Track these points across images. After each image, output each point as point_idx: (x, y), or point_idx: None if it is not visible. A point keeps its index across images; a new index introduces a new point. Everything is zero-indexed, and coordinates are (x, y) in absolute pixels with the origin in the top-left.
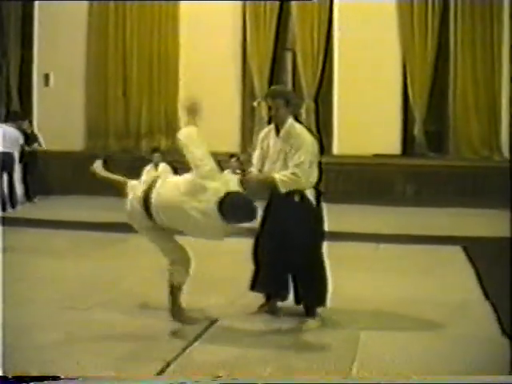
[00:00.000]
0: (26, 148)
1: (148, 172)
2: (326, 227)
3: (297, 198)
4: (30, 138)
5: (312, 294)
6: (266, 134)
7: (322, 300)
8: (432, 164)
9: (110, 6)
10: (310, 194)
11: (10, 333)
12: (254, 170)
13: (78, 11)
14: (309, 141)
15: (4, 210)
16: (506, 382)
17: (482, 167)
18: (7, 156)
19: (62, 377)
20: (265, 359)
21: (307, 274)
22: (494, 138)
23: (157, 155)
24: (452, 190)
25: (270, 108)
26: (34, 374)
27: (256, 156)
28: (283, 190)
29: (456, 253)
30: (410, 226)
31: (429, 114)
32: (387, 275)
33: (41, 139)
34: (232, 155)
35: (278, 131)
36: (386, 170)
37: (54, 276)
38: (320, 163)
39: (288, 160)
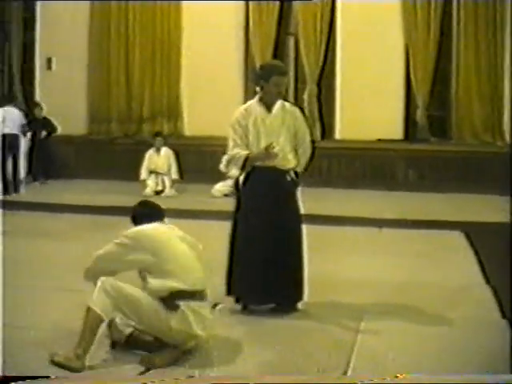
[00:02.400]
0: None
1: (150, 156)
2: (329, 212)
3: (288, 178)
4: (42, 123)
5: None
6: (247, 112)
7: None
8: (434, 149)
9: None
10: (293, 173)
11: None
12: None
13: None
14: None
15: (7, 193)
16: (506, 382)
17: (484, 152)
18: (12, 137)
19: (53, 376)
20: (256, 352)
21: (294, 261)
22: (496, 124)
23: (159, 139)
24: (454, 176)
25: (270, 84)
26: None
27: (238, 135)
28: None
29: (457, 238)
30: (412, 210)
31: (431, 99)
32: (389, 259)
33: (55, 124)
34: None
35: (266, 108)
36: (389, 155)
37: (50, 258)
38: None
39: (294, 135)
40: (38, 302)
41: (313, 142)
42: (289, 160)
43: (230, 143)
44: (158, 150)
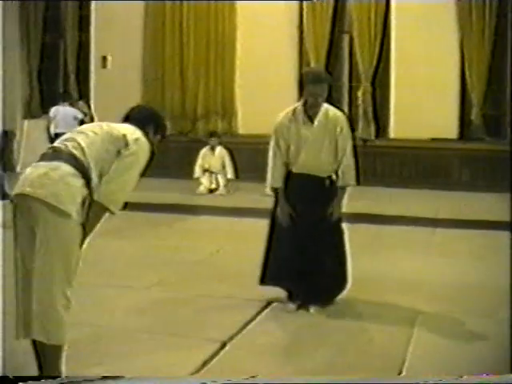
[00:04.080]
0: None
1: (204, 155)
2: (382, 211)
3: (327, 182)
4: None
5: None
6: (290, 122)
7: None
8: (489, 148)
9: None
10: (334, 177)
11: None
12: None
13: None
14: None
15: None
16: (506, 382)
17: None
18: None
19: (63, 376)
20: (312, 351)
21: (333, 260)
22: None
23: (213, 140)
24: (509, 175)
25: (306, 93)
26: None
27: (278, 146)
28: None
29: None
30: (466, 210)
31: (486, 98)
32: (443, 260)
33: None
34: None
35: (309, 117)
36: (443, 154)
37: (102, 255)
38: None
39: (335, 144)
40: (89, 299)
41: (354, 147)
42: (328, 170)
43: (271, 152)
44: (213, 149)
